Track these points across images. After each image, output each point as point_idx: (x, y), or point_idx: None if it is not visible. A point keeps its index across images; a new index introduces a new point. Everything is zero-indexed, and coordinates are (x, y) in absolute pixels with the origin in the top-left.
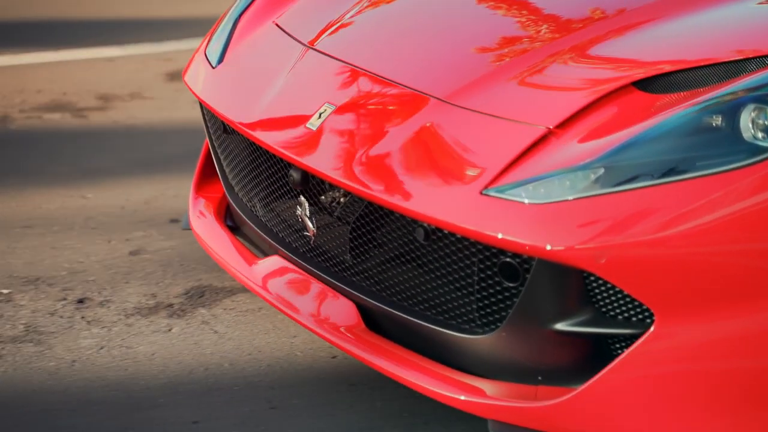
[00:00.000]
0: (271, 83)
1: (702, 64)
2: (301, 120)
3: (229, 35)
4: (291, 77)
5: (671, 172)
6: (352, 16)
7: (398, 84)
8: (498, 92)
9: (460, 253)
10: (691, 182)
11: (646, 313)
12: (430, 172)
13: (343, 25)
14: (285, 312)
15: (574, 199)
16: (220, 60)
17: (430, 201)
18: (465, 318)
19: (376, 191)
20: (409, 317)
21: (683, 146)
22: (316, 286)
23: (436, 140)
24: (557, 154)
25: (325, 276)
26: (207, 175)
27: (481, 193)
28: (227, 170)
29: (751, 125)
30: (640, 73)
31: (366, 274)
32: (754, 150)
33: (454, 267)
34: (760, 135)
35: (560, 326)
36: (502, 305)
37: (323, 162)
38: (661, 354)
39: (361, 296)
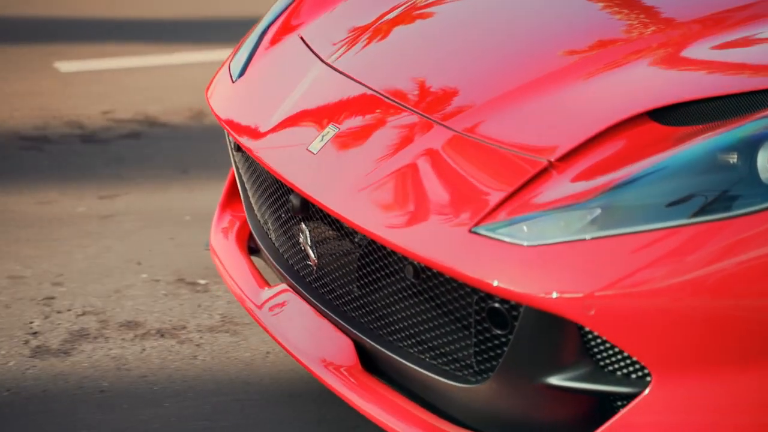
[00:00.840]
0: (284, 100)
1: (723, 94)
2: (304, 141)
3: (254, 48)
4: (304, 95)
5: (675, 215)
6: (376, 30)
7: (405, 107)
8: (505, 119)
9: (450, 294)
10: (697, 227)
11: (646, 371)
12: (421, 206)
13: (366, 40)
14: (280, 343)
15: (566, 242)
16: (241, 74)
17: (417, 236)
18: (458, 365)
19: (366, 223)
20: (403, 360)
21: (691, 187)
22: (316, 319)
23: (434, 170)
24: (556, 190)
25: (326, 309)
26: (236, 192)
27: (470, 230)
28: (246, 189)
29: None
30: (655, 102)
31: (364, 310)
32: None
33: (444, 309)
34: None
35: (554, 380)
36: (492, 354)
37: (318, 188)
38: (659, 416)
39: (358, 334)
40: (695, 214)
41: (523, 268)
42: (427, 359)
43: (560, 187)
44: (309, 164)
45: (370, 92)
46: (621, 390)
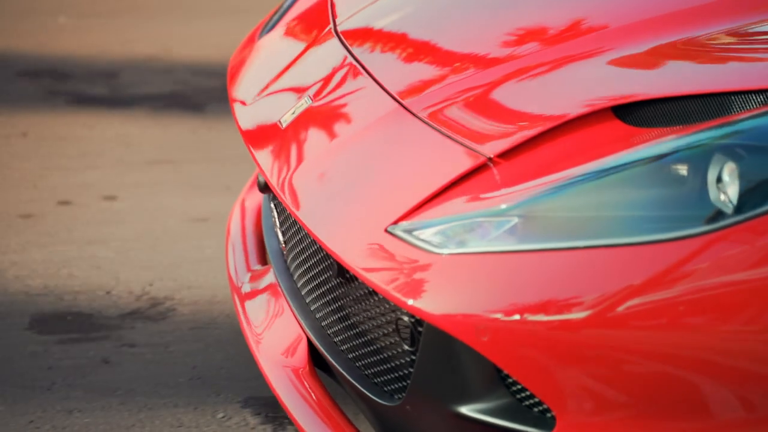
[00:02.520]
0: (289, 63)
1: (693, 93)
2: (279, 113)
3: (287, 7)
4: (304, 59)
5: (600, 233)
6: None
7: (375, 82)
8: (467, 107)
9: (367, 300)
10: (621, 250)
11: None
12: (353, 196)
13: (378, 7)
14: (241, 323)
15: (476, 254)
16: (267, 32)
17: (337, 231)
18: (384, 379)
19: (302, 211)
20: (338, 366)
21: (624, 201)
22: (280, 308)
23: (381, 155)
24: (486, 190)
25: (289, 299)
26: None
27: (386, 229)
28: None
29: (717, 183)
30: (620, 99)
31: (315, 306)
32: (716, 215)
33: (368, 316)
34: (723, 197)
35: (464, 410)
36: (405, 371)
37: (272, 167)
38: None
39: (308, 330)
40: (621, 234)
41: (425, 277)
42: (360, 368)
43: (492, 187)
44: (275, 139)
45: (354, 63)
46: (530, 430)
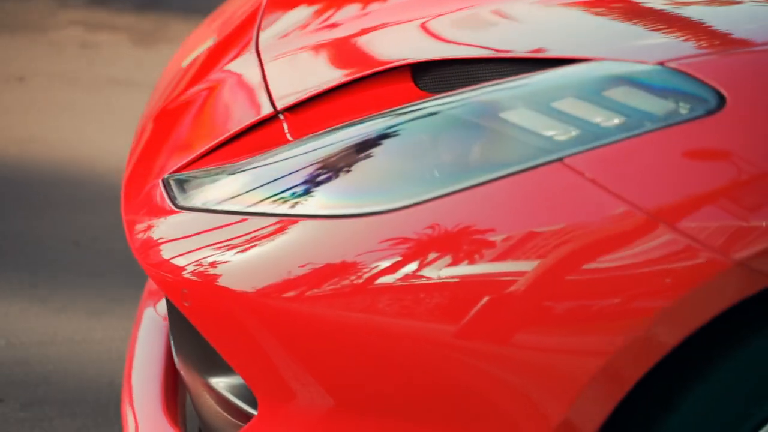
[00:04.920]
0: None
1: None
2: (190, 51)
3: None
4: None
5: (283, 207)
6: None
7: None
8: (307, 58)
9: None
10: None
11: None
12: (157, 149)
13: None
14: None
15: (199, 210)
16: None
17: (135, 175)
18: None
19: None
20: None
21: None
22: None
23: (205, 104)
24: (274, 144)
25: None
26: None
27: (162, 179)
28: None
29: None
30: (413, 61)
31: None
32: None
33: None
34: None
35: (213, 382)
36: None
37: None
38: None
39: None
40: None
41: (158, 227)
42: None
43: (281, 141)
44: (171, 78)
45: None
46: (249, 411)
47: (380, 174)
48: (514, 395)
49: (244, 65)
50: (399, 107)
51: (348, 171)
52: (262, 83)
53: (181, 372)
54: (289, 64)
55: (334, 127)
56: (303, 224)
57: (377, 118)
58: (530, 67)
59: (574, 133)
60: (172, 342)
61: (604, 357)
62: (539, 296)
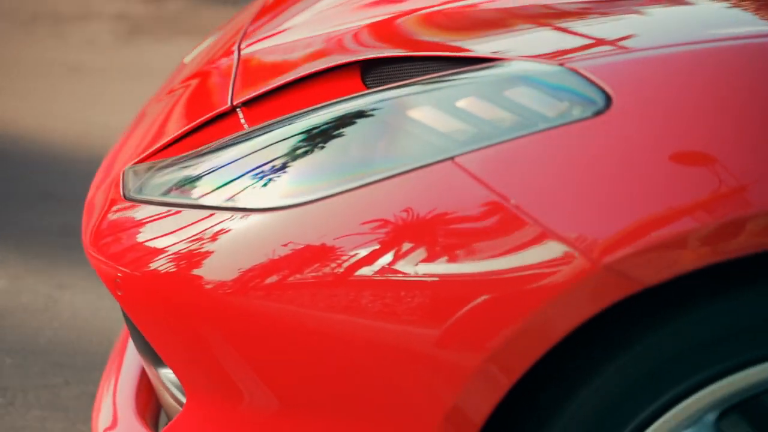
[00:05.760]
0: None
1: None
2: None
3: None
4: None
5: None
6: None
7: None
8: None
9: None
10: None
11: None
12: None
13: None
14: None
15: (141, 201)
16: None
17: (108, 162)
18: None
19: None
20: None
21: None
22: None
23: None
24: (213, 137)
25: None
26: None
27: (123, 170)
28: None
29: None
30: (361, 57)
31: None
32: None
33: None
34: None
35: (162, 372)
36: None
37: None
38: None
39: None
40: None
41: (109, 218)
42: None
43: (226, 134)
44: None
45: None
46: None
47: (291, 172)
48: (412, 387)
49: (225, 62)
50: (323, 103)
51: (274, 167)
52: (231, 79)
53: (143, 363)
54: (261, 62)
55: (266, 123)
56: (236, 217)
57: (302, 116)
58: (457, 66)
59: (469, 132)
60: (130, 334)
61: (489, 351)
62: (423, 292)
